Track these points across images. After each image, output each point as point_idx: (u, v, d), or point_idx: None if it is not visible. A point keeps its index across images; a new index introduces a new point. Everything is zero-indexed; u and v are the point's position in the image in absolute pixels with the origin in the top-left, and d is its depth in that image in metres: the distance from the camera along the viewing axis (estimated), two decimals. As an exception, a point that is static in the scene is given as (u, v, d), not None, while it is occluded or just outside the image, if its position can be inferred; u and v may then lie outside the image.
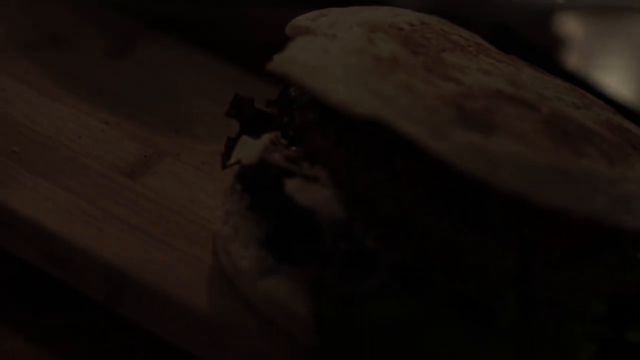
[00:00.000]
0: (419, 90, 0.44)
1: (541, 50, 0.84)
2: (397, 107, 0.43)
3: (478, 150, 0.41)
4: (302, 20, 0.51)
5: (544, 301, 0.44)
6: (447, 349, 0.43)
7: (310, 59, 0.46)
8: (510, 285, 0.43)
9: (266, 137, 0.50)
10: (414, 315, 0.43)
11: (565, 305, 0.45)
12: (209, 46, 0.67)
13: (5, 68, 0.60)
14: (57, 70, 0.61)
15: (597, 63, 1.00)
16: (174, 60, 0.66)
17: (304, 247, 0.46)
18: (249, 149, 0.50)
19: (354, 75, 0.44)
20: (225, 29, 0.73)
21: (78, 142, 0.55)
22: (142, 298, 0.47)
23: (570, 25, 0.98)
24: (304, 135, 0.49)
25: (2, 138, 0.53)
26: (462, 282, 0.44)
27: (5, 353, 0.45)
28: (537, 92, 0.50)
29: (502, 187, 0.41)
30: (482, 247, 0.43)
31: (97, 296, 0.48)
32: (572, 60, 0.95)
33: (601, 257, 0.45)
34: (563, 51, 0.93)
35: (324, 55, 0.46)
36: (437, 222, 0.43)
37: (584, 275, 0.45)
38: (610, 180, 0.43)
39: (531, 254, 0.43)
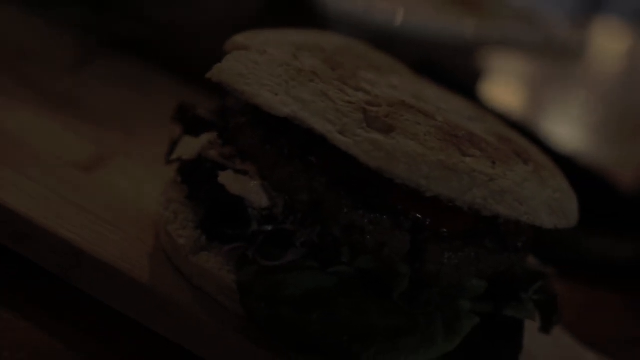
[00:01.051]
0: (332, 97, 0.52)
1: (460, 82, 0.94)
2: (312, 109, 0.51)
3: (378, 146, 0.50)
4: (239, 37, 0.59)
5: (434, 277, 0.53)
6: (351, 315, 0.51)
7: (242, 69, 0.54)
8: (405, 261, 0.52)
9: (204, 138, 0.58)
10: (324, 286, 0.51)
11: (451, 282, 0.53)
12: (158, 62, 0.75)
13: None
14: (24, 79, 0.69)
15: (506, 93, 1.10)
16: (127, 74, 0.74)
17: (232, 229, 0.54)
18: (189, 147, 0.58)
19: (279, 82, 0.52)
20: (173, 47, 0.82)
21: (40, 140, 0.62)
22: (93, 271, 0.54)
23: (488, 60, 1.08)
24: (236, 136, 0.57)
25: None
26: (365, 258, 0.52)
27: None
28: (436, 105, 0.59)
29: (397, 178, 0.50)
30: (381, 227, 0.51)
31: (54, 269, 0.54)
32: (488, 90, 1.05)
33: (482, 242, 0.54)
34: (482, 83, 1.02)
35: (254, 66, 0.54)
36: (343, 206, 0.51)
37: (467, 256, 0.53)
38: (489, 176, 0.52)
39: (422, 235, 0.52)
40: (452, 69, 0.92)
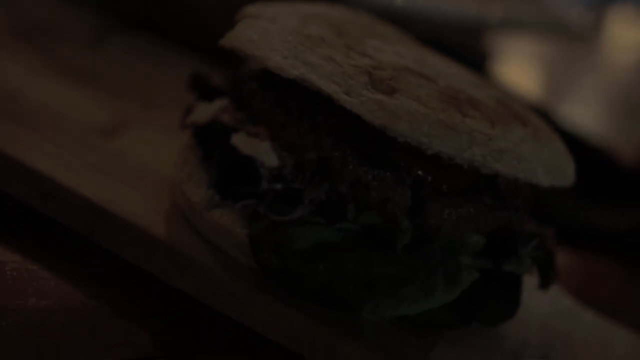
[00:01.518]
0: (339, 61, 0.55)
1: (468, 60, 0.96)
2: (320, 72, 0.54)
3: (381, 105, 0.53)
4: (250, 8, 0.62)
5: (435, 232, 0.55)
6: (355, 267, 0.53)
7: (253, 35, 0.57)
8: (406, 216, 0.54)
9: (217, 103, 0.61)
10: (331, 241, 0.54)
11: (452, 237, 0.56)
12: (174, 39, 0.78)
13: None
14: (45, 53, 0.72)
15: (520, 74, 1.12)
16: (144, 49, 0.77)
17: (244, 187, 0.56)
18: (203, 112, 0.61)
19: (288, 47, 0.55)
20: (187, 26, 0.85)
21: (62, 107, 0.66)
22: (113, 228, 0.56)
23: (499, 42, 1.11)
24: (248, 100, 0.60)
25: (-2, 103, 0.64)
26: (369, 213, 0.55)
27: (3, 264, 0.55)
28: (439, 71, 0.61)
29: (399, 135, 0.52)
30: (384, 183, 0.54)
31: (77, 227, 0.57)
32: (497, 71, 1.08)
33: (481, 198, 0.56)
34: (490, 65, 1.05)
35: (265, 32, 0.57)
36: (349, 163, 0.54)
37: (466, 212, 0.56)
38: (488, 136, 0.54)
39: (423, 191, 0.54)
40: (462, 49, 0.94)
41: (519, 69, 1.34)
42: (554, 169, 0.58)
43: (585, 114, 1.29)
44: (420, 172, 0.54)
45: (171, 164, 0.62)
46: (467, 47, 1.01)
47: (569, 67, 1.58)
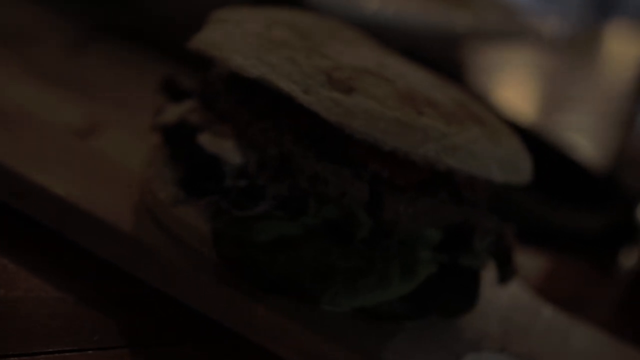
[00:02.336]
0: (299, 62, 0.57)
1: (444, 71, 0.98)
2: (280, 72, 0.56)
3: (338, 103, 0.55)
4: (219, 13, 0.64)
5: (392, 225, 0.57)
6: (314, 258, 0.55)
7: (218, 37, 0.59)
8: (364, 210, 0.56)
9: (186, 104, 0.63)
10: (291, 234, 0.56)
11: (408, 231, 0.58)
12: (153, 48, 0.81)
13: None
14: (22, 58, 0.75)
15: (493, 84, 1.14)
16: (122, 57, 0.79)
17: (209, 184, 0.59)
18: (171, 113, 0.63)
19: (251, 49, 0.58)
20: (166, 35, 0.87)
21: (37, 110, 0.68)
22: (83, 224, 0.59)
23: (473, 51, 1.13)
24: (215, 101, 0.62)
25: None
26: (329, 207, 0.57)
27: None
28: (399, 73, 0.63)
29: (355, 132, 0.55)
30: (342, 178, 0.56)
31: (49, 222, 0.59)
32: (473, 81, 1.10)
33: (436, 193, 0.58)
34: (464, 74, 1.07)
35: (230, 35, 0.59)
36: (308, 160, 0.56)
37: (422, 206, 0.58)
38: (443, 133, 0.57)
39: (380, 186, 0.56)
40: (435, 59, 0.97)
41: (503, 80, 1.36)
42: (509, 166, 0.60)
43: (577, 124, 1.31)
44: (377, 168, 0.56)
45: (141, 162, 0.64)
46: (440, 58, 1.03)
47: (561, 81, 1.60)
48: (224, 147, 0.59)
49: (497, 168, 0.58)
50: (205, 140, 0.59)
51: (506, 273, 0.63)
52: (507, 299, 0.66)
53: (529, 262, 0.65)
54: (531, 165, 0.63)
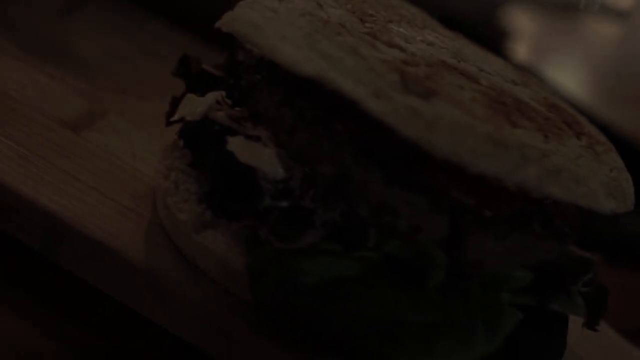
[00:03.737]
0: (364, 54, 0.45)
1: (487, 41, 0.87)
2: (342, 68, 0.44)
3: (417, 114, 0.42)
4: (253, -19, 0.51)
5: (474, 266, 0.46)
6: (378, 309, 0.44)
7: (258, 18, 0.46)
8: (441, 248, 0.45)
9: (211, 96, 0.51)
10: (347, 274, 0.44)
11: (493, 272, 0.46)
12: (159, 11, 0.67)
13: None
14: (7, 22, 0.61)
15: (542, 57, 1.02)
16: (122, 22, 0.66)
17: (242, 204, 0.46)
18: (193, 107, 0.51)
19: (301, 35, 0.45)
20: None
21: (22, 94, 0.55)
22: (79, 248, 0.47)
23: (517, 19, 1.01)
24: (249, 95, 0.50)
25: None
26: (395, 242, 0.45)
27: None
28: (478, 66, 0.51)
29: (437, 151, 0.42)
30: (416, 208, 0.44)
31: (34, 244, 0.48)
32: (518, 52, 0.98)
33: (529, 226, 0.47)
34: (509, 43, 0.95)
35: (272, 15, 0.47)
36: (373, 182, 0.44)
37: (512, 243, 0.46)
38: (543, 152, 0.45)
39: (462, 219, 0.45)
40: (476, 24, 0.85)
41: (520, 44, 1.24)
42: (616, 191, 0.48)
43: (571, 82, 1.19)
44: (460, 196, 0.44)
45: (152, 166, 0.52)
46: (484, 24, 0.91)
47: (556, 37, 1.48)
48: (262, 157, 0.47)
49: (604, 195, 0.47)
50: (238, 146, 0.47)
51: (597, 317, 0.51)
52: (591, 341, 0.55)
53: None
54: (633, 186, 0.51)
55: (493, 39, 0.91)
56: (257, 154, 0.47)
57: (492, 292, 0.46)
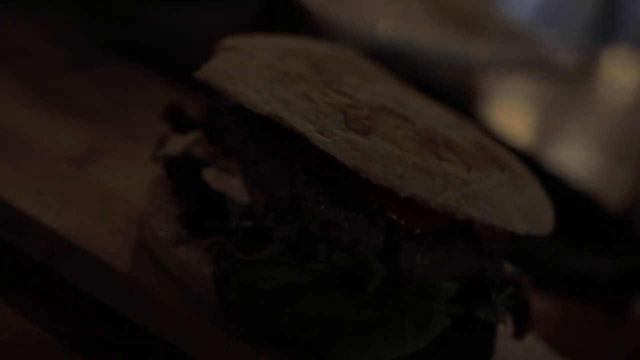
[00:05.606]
0: (314, 98, 0.54)
1: (455, 101, 0.95)
2: (294, 109, 0.53)
3: (355, 146, 0.51)
4: (230, 40, 0.61)
5: (406, 275, 0.54)
6: (323, 309, 0.52)
7: (229, 69, 0.56)
8: (378, 259, 0.53)
9: (191, 136, 0.60)
10: (299, 281, 0.53)
11: (423, 282, 0.55)
12: (156, 67, 0.77)
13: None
14: (21, 77, 0.71)
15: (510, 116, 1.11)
16: (124, 77, 0.76)
17: (213, 223, 0.55)
18: (175, 144, 0.60)
19: (263, 83, 0.54)
20: (169, 53, 0.84)
21: (33, 134, 0.64)
22: (76, 260, 0.55)
23: (487, 82, 1.10)
24: (222, 134, 0.59)
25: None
26: (340, 255, 0.53)
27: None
28: (418, 112, 0.60)
29: (372, 177, 0.51)
30: (356, 224, 0.53)
31: (40, 257, 0.56)
32: (487, 113, 1.07)
33: (454, 243, 0.55)
34: (476, 103, 1.04)
35: (242, 67, 0.56)
36: (320, 203, 0.53)
37: (439, 257, 0.54)
38: (464, 180, 0.53)
39: (396, 234, 0.53)
40: (447, 87, 0.94)
41: (509, 110, 1.33)
42: (531, 216, 0.56)
43: (576, 157, 1.28)
44: (393, 215, 0.53)
45: (141, 195, 0.61)
46: (452, 87, 1.00)
47: (560, 109, 1.57)
48: (231, 185, 0.56)
49: (519, 218, 0.55)
50: (211, 176, 0.56)
51: (523, 327, 0.59)
52: (521, 352, 0.63)
53: (542, 308, 0.61)
54: (553, 215, 0.59)
55: (460, 101, 1.00)
56: (227, 183, 0.56)
57: (423, 298, 0.54)
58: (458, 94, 1.01)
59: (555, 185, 0.76)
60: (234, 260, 0.53)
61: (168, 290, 0.54)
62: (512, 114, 1.29)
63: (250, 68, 0.56)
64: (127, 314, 0.55)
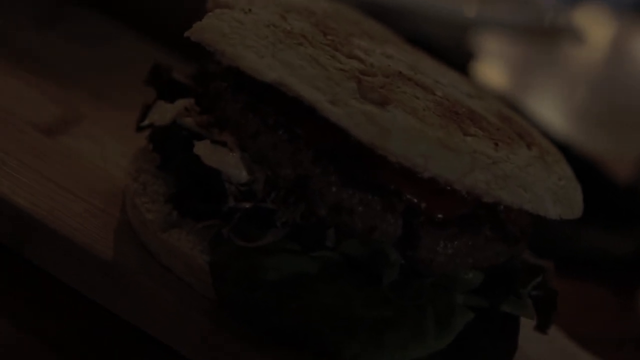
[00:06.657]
0: (323, 63, 0.47)
1: (452, 60, 0.89)
2: (302, 75, 0.46)
3: (371, 119, 0.45)
4: (222, -6, 0.54)
5: (426, 266, 0.48)
6: (334, 305, 0.46)
7: (225, 27, 0.49)
8: (395, 248, 0.47)
9: (180, 103, 0.53)
10: (306, 272, 0.47)
11: (445, 273, 0.49)
12: (130, 21, 0.70)
13: None
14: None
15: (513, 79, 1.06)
16: (96, 33, 0.68)
17: (207, 204, 0.48)
18: (162, 113, 0.53)
19: (265, 44, 0.47)
20: (150, 7, 0.76)
21: (1, 100, 0.57)
22: (49, 245, 0.49)
23: (483, 41, 1.04)
24: (215, 103, 0.52)
25: None
26: (352, 242, 0.47)
27: None
28: (434, 78, 0.54)
29: (390, 154, 0.45)
30: (371, 209, 0.46)
31: (6, 240, 0.49)
32: (483, 72, 1.01)
33: (479, 229, 0.49)
34: (474, 64, 0.98)
35: (239, 25, 0.49)
36: (331, 184, 0.46)
37: (462, 244, 0.48)
38: (492, 159, 0.47)
39: (415, 220, 0.47)
40: (444, 46, 0.88)
41: (494, 69, 1.27)
42: (563, 198, 0.50)
43: (561, 117, 1.23)
44: (412, 198, 0.47)
45: (122, 169, 0.54)
46: (451, 45, 0.94)
47: (543, 66, 1.52)
48: (226, 160, 0.49)
49: (550, 201, 0.49)
50: (204, 150, 0.49)
51: (547, 320, 0.54)
52: (542, 345, 0.57)
53: (560, 295, 0.56)
54: (582, 195, 0.54)
55: (458, 59, 0.94)
56: (222, 158, 0.49)
57: (444, 291, 0.49)
58: (455, 54, 0.95)
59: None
60: (231, 246, 0.47)
61: (155, 280, 0.48)
62: (494, 72, 1.24)
63: (248, 26, 0.49)
64: (107, 305, 0.48)
